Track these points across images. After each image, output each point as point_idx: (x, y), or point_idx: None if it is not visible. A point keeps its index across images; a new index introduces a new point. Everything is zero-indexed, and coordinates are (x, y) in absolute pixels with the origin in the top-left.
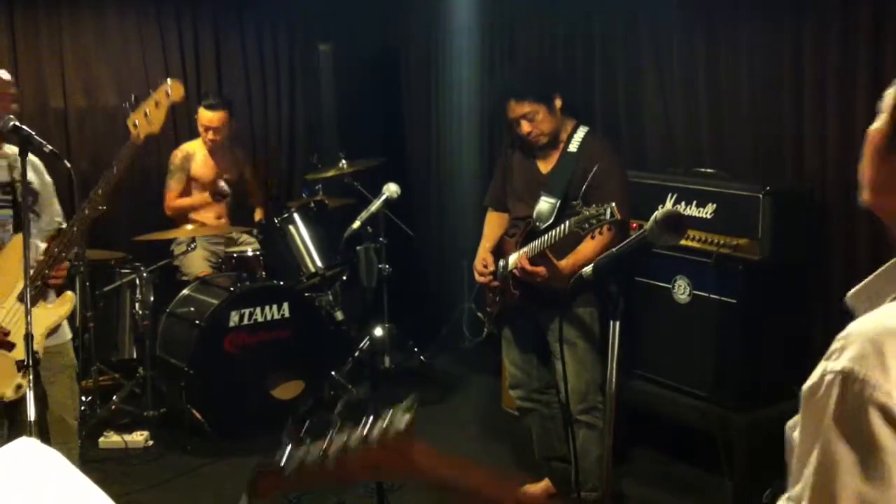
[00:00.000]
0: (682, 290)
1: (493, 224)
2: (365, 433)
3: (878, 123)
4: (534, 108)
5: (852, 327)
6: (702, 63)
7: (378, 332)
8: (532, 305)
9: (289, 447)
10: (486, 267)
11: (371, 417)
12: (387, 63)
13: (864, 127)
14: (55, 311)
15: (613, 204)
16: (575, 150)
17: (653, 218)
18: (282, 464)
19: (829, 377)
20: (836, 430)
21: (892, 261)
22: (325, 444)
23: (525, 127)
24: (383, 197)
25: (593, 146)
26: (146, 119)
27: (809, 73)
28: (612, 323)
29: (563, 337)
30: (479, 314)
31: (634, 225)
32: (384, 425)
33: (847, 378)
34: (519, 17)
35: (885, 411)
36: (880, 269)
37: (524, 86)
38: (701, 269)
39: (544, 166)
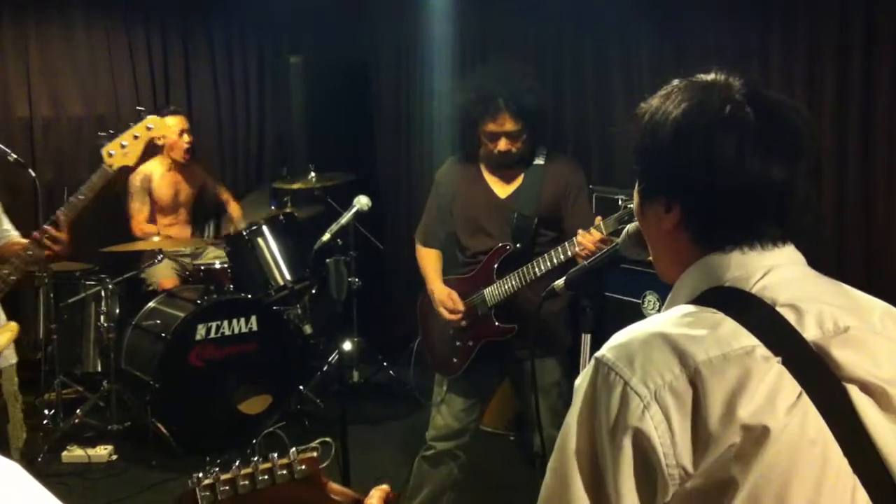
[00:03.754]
0: (651, 305)
1: (434, 261)
2: (271, 469)
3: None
4: (522, 128)
5: (625, 328)
6: (671, 74)
7: (346, 345)
8: (514, 341)
9: (199, 478)
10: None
11: (276, 455)
12: (357, 75)
13: (830, 131)
14: None
15: (599, 219)
16: (542, 162)
17: (625, 231)
18: (197, 497)
19: (590, 361)
20: (580, 403)
21: (677, 283)
22: (233, 476)
23: (503, 144)
24: (354, 209)
25: (561, 164)
26: (122, 150)
27: (776, 82)
28: (582, 336)
29: (538, 385)
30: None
31: None
32: (288, 463)
33: (599, 362)
34: (490, 30)
35: (624, 390)
36: (672, 291)
37: (526, 103)
38: (670, 284)
39: (502, 191)
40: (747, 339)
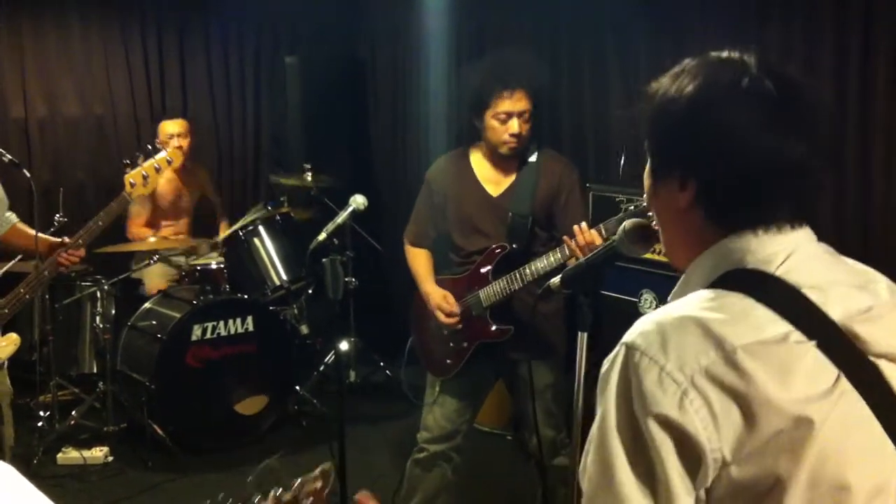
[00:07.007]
0: (648, 303)
1: (425, 261)
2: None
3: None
4: (532, 111)
5: (649, 314)
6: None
7: (343, 345)
8: (509, 342)
9: None
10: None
11: (280, 490)
12: (353, 75)
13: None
14: None
15: (602, 226)
16: (535, 160)
17: (622, 228)
18: None
19: (617, 348)
20: (616, 391)
21: (691, 265)
22: None
23: (515, 126)
24: (350, 209)
25: (555, 162)
26: (143, 181)
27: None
28: (579, 335)
29: (534, 387)
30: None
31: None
32: (293, 498)
33: (629, 348)
34: (487, 29)
35: (659, 377)
36: (685, 274)
37: (542, 83)
38: (667, 282)
39: (494, 189)
40: (780, 325)
